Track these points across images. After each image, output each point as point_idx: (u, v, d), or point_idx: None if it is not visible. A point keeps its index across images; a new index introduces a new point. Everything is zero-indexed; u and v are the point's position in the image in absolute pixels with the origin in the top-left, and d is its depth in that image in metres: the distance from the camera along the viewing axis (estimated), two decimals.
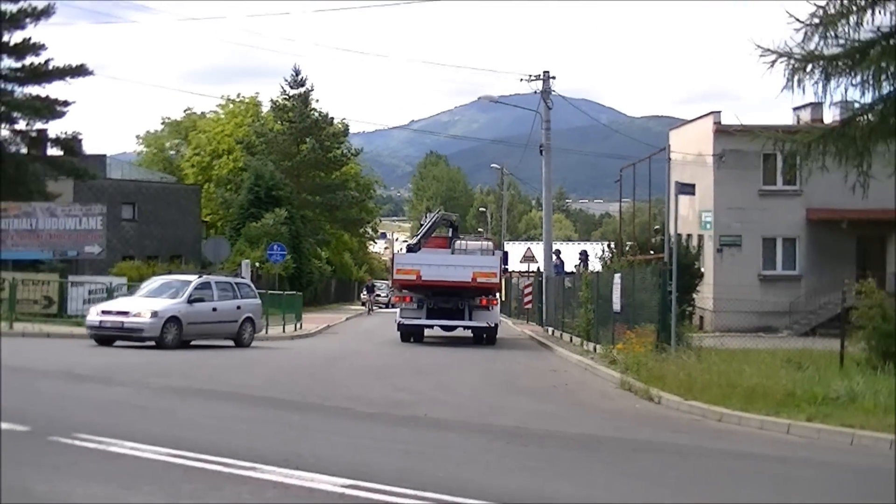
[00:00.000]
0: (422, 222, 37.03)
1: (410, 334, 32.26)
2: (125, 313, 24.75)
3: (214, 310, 26.46)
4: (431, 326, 32.83)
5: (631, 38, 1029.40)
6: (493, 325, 31.91)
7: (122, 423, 11.77)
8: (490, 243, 36.11)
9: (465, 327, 32.43)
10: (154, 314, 24.63)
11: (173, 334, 24.81)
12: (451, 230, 36.00)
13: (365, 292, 63.00)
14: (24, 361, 18.68)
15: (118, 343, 24.89)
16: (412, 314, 31.93)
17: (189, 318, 25.42)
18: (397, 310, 32.87)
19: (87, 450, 9.72)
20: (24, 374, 16.53)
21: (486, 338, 32.06)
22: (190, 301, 25.64)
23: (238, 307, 27.47)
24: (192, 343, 26.09)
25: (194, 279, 26.82)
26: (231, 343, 27.32)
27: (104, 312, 25.09)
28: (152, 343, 24.52)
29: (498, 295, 33.82)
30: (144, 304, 25.21)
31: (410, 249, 33.38)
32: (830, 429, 12.95)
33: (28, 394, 14.02)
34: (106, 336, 24.91)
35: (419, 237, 34.34)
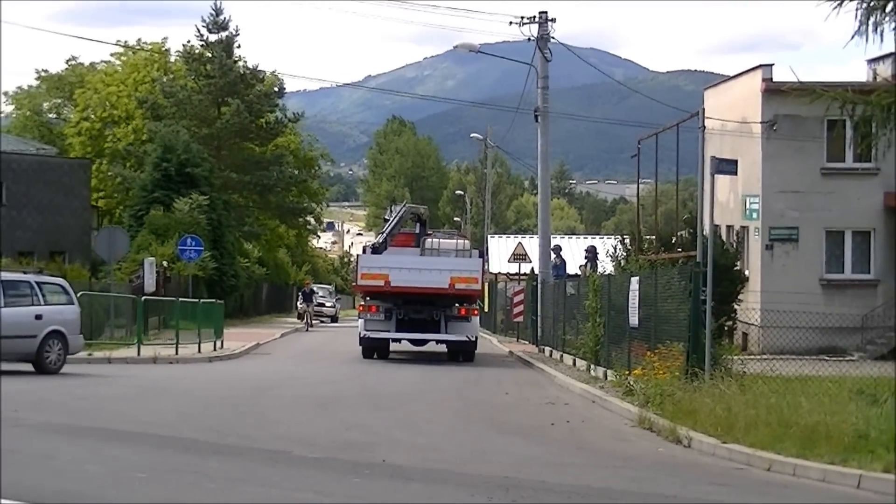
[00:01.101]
0: (386, 217, 38.82)
1: (374, 349, 34.38)
2: None
3: None
4: (400, 340, 35.13)
5: None
6: (472, 338, 34.12)
7: None
8: (466, 241, 38.42)
9: (440, 341, 34.59)
10: None
11: None
12: (418, 225, 37.76)
13: (301, 300, 62.15)
14: None
15: None
16: (379, 326, 34.05)
17: None
18: (360, 321, 34.93)
19: None
20: None
21: (463, 354, 34.20)
22: None
23: (38, 316, 25.60)
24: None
25: None
26: (31, 367, 25.60)
27: None
28: None
29: (479, 304, 34.96)
30: None
31: (375, 250, 35.18)
32: None
33: None
34: None
35: (385, 235, 36.16)
